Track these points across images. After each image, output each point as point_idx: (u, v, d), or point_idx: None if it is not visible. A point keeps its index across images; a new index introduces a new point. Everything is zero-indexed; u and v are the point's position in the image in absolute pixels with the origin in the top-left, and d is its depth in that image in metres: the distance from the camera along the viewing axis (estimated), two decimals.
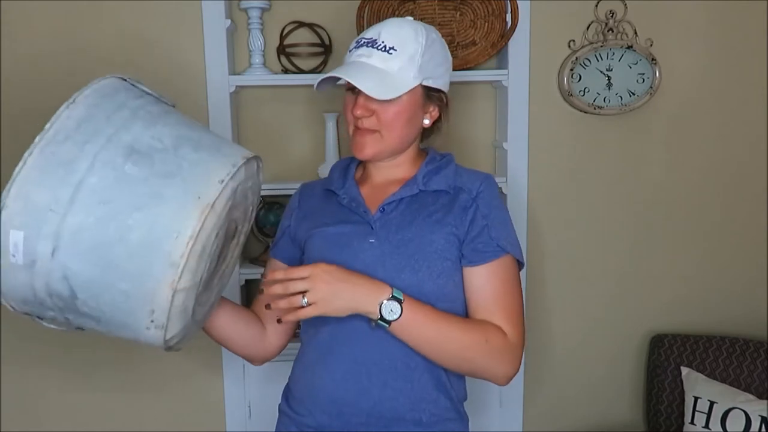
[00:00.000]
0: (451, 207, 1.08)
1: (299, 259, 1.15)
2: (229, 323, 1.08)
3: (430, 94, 1.09)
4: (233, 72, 1.69)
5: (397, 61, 1.02)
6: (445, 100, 1.13)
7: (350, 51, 1.07)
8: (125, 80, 0.88)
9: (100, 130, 0.76)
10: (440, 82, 1.09)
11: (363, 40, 1.05)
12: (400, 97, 1.03)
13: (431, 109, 1.11)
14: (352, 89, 1.06)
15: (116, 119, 0.78)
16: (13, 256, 0.70)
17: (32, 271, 0.73)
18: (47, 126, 0.73)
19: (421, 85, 1.05)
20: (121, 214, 0.73)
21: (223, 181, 0.77)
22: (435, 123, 1.14)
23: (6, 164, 1.68)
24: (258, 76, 1.66)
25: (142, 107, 0.84)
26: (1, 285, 0.75)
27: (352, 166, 1.18)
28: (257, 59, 1.66)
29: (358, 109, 1.04)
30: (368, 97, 1.02)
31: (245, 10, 1.65)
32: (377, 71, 1.02)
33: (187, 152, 0.79)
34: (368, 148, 1.06)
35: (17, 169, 0.70)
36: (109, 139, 0.75)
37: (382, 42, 1.03)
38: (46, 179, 0.71)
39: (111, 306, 0.77)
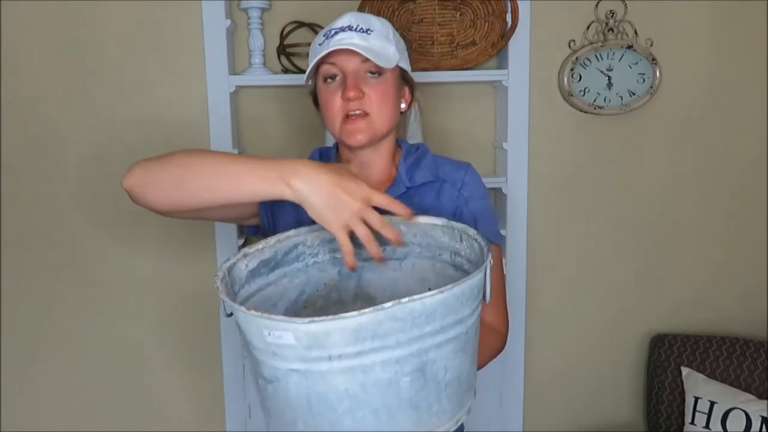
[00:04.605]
0: (438, 201, 1.09)
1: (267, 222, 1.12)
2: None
3: (403, 76, 1.11)
4: (233, 72, 1.69)
5: (377, 41, 1.04)
6: (412, 83, 1.14)
7: (327, 39, 1.05)
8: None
9: (428, 336, 0.73)
10: (408, 66, 1.12)
11: (335, 30, 1.05)
12: (386, 75, 1.05)
13: (405, 92, 1.13)
14: (332, 77, 1.05)
15: (449, 331, 0.75)
16: (268, 334, 0.70)
17: (265, 356, 0.74)
18: (406, 300, 0.69)
19: (397, 66, 1.08)
20: (359, 404, 0.72)
21: None
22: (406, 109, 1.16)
23: (7, 163, 1.69)
24: (258, 76, 1.65)
25: (474, 324, 0.80)
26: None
27: (329, 161, 1.16)
28: (257, 59, 1.66)
29: (351, 90, 1.02)
30: (358, 78, 1.03)
31: (245, 10, 1.65)
32: (364, 48, 1.02)
33: (446, 396, 0.76)
34: (362, 133, 1.04)
35: (353, 314, 0.68)
36: (421, 346, 0.72)
37: (357, 25, 1.04)
38: (355, 331, 0.69)
39: None
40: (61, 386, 1.78)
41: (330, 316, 0.67)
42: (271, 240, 0.95)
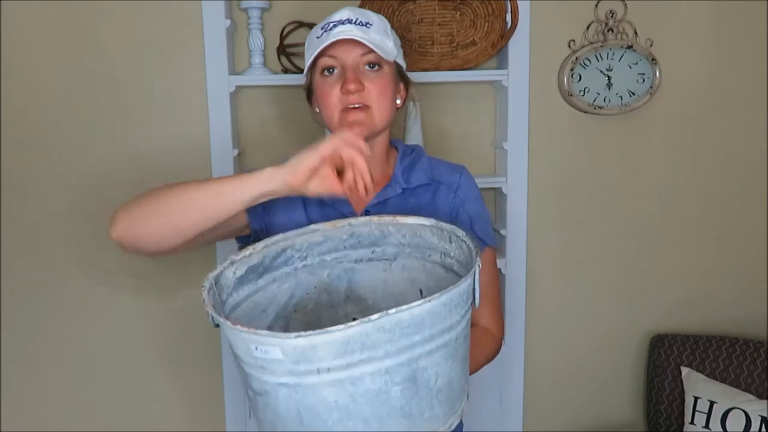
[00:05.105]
0: (434, 203, 1.10)
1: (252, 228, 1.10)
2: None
3: (399, 72, 1.12)
4: (233, 72, 1.69)
5: (376, 34, 1.05)
6: (408, 80, 1.15)
7: (325, 32, 1.04)
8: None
9: (417, 345, 0.72)
10: (403, 63, 1.13)
11: (334, 23, 1.04)
12: (384, 69, 1.06)
13: (400, 88, 1.13)
14: (330, 69, 1.05)
15: (438, 339, 0.74)
16: (255, 349, 0.70)
17: (253, 370, 0.74)
18: (393, 310, 0.68)
19: (394, 61, 1.08)
20: (349, 415, 0.71)
21: None
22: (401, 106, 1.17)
23: (6, 164, 1.69)
24: (258, 76, 1.65)
25: (464, 329, 0.80)
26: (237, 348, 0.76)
27: None
28: (257, 59, 1.66)
29: (351, 83, 1.02)
30: (358, 71, 1.03)
31: (245, 10, 1.65)
32: (365, 39, 1.02)
33: (438, 403, 0.76)
34: (361, 126, 1.04)
35: (340, 327, 0.67)
36: (411, 355, 0.72)
37: (357, 18, 1.04)
38: (342, 344, 0.68)
39: None
40: (60, 387, 1.78)
41: (317, 330, 0.66)
42: (259, 245, 0.93)
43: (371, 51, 1.03)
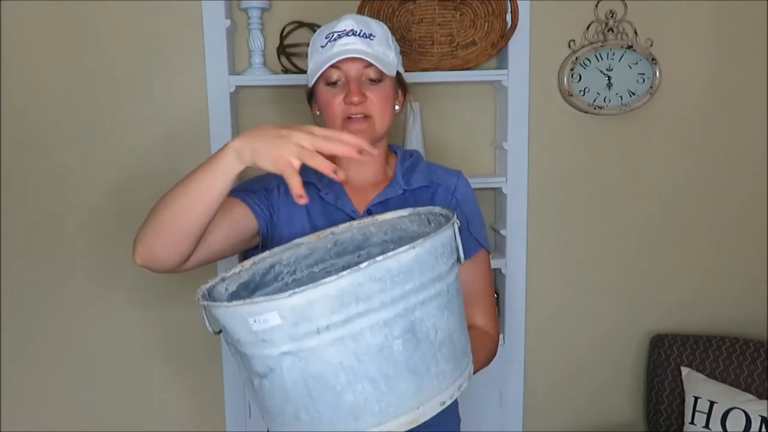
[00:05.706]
0: (433, 204, 1.12)
1: (258, 231, 1.10)
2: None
3: (399, 78, 1.14)
4: (233, 72, 1.69)
5: (379, 46, 1.07)
6: (406, 85, 1.17)
7: (329, 42, 1.07)
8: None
9: (410, 294, 0.73)
10: (402, 69, 1.16)
11: (338, 33, 1.07)
12: (385, 80, 1.08)
13: (399, 94, 1.16)
14: (334, 83, 1.07)
15: (430, 288, 0.75)
16: (254, 321, 0.71)
17: (255, 348, 0.74)
18: (381, 258, 0.70)
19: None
20: (356, 376, 0.71)
21: (444, 403, 0.77)
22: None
23: (6, 164, 1.69)
24: (258, 76, 1.65)
25: (454, 283, 0.81)
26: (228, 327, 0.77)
27: None
28: (257, 59, 1.66)
29: (355, 95, 1.05)
30: (361, 83, 1.06)
31: (245, 10, 1.65)
32: (370, 55, 1.05)
33: (442, 357, 0.76)
34: (364, 134, 1.06)
35: (332, 278, 0.68)
36: (406, 305, 0.73)
37: (360, 30, 1.07)
38: (337, 297, 0.69)
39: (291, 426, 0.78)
40: (60, 386, 1.78)
41: (309, 285, 0.67)
42: (247, 263, 0.95)
43: (374, 64, 1.06)
